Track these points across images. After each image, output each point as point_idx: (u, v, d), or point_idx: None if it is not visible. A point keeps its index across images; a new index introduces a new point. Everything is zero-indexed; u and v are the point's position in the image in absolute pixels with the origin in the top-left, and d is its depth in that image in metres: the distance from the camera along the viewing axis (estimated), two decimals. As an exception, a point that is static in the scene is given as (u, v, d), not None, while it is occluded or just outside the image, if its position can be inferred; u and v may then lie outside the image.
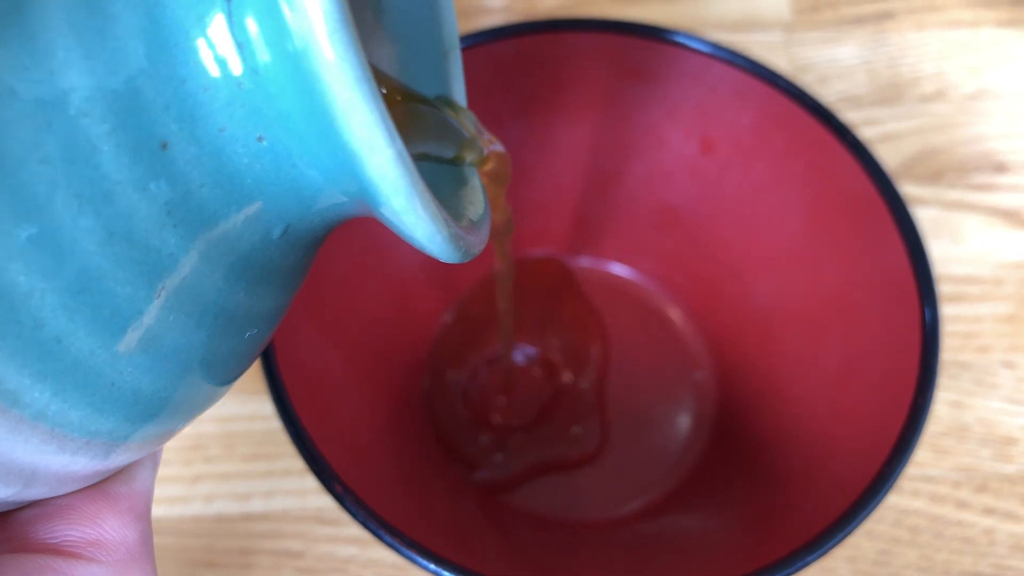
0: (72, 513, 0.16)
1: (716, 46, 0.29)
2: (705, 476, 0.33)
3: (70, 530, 0.16)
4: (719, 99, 0.30)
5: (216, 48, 0.13)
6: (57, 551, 0.15)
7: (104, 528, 0.16)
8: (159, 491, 0.33)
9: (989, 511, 0.33)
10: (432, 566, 0.22)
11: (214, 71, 0.13)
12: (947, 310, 0.36)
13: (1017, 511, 0.33)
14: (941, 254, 0.37)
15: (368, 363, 0.31)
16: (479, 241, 0.18)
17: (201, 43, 0.13)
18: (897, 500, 0.33)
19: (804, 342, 0.31)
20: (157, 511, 0.32)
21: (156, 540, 0.32)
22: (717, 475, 0.32)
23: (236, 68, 0.13)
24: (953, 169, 0.39)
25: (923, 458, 0.34)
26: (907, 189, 0.38)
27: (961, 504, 0.33)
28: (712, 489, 0.32)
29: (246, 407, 0.34)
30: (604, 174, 0.34)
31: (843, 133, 0.28)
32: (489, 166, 0.21)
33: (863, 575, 0.32)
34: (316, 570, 0.32)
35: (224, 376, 0.16)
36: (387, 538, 0.22)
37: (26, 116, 0.12)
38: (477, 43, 0.29)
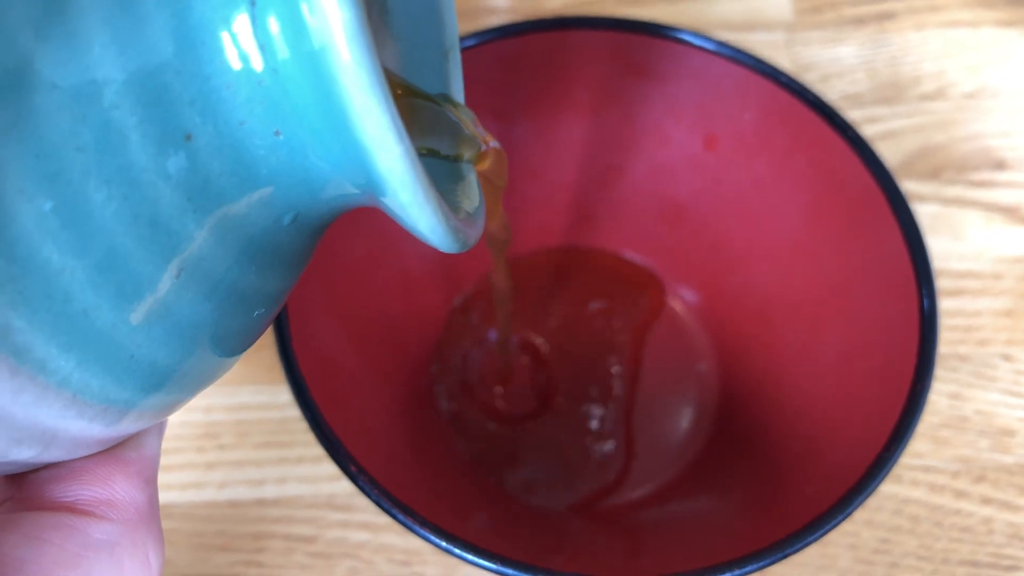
0: (85, 475, 0.17)
1: (720, 43, 0.29)
2: (708, 464, 0.33)
3: (83, 490, 0.17)
4: (722, 96, 0.31)
5: (240, 47, 0.13)
6: (71, 509, 0.16)
7: (115, 489, 0.17)
8: (174, 477, 0.33)
9: (987, 501, 0.34)
10: (444, 543, 0.22)
11: (237, 69, 0.14)
12: (947, 304, 0.37)
13: (1015, 501, 0.34)
14: (941, 250, 0.38)
15: (379, 353, 0.32)
16: (475, 233, 0.19)
17: (226, 42, 0.13)
18: (897, 490, 0.34)
19: (805, 334, 0.32)
20: (171, 496, 0.33)
21: (170, 525, 0.33)
22: (720, 463, 0.33)
23: (257, 66, 0.13)
24: (953, 166, 0.39)
25: (923, 449, 0.34)
26: (907, 185, 0.39)
27: (960, 494, 0.34)
28: (715, 476, 0.32)
29: (258, 397, 0.35)
30: (609, 169, 0.35)
31: (845, 130, 0.28)
32: (486, 163, 0.21)
33: (864, 563, 0.33)
34: (328, 555, 0.32)
35: (231, 350, 0.17)
36: (400, 516, 0.23)
37: (65, 107, 0.13)
38: (484, 41, 0.29)
